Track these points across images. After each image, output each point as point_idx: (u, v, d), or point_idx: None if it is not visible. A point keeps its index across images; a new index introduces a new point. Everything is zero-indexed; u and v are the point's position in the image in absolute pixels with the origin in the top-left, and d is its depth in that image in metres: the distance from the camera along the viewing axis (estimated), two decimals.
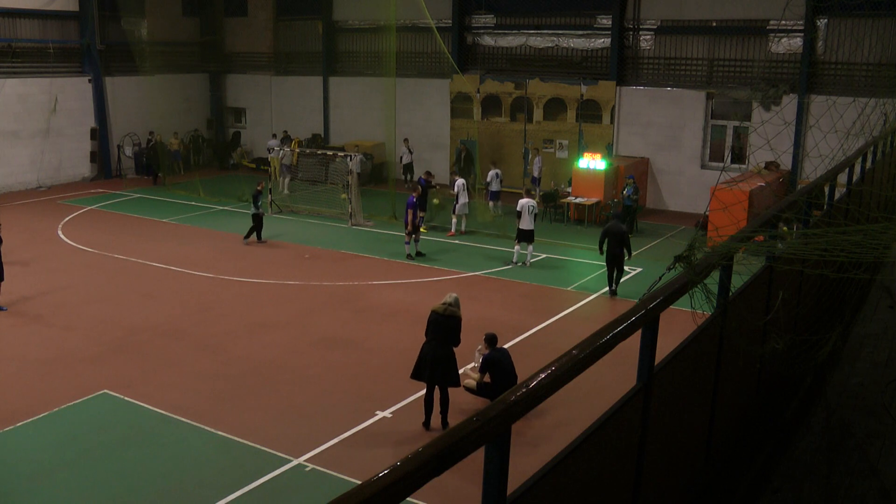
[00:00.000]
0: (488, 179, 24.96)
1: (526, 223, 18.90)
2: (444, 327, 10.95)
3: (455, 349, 11.14)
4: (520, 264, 19.25)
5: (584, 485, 3.69)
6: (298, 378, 12.90)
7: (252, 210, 21.38)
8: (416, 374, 11.14)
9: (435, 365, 10.93)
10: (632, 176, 23.45)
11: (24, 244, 21.11)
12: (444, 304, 11.06)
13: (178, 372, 13.09)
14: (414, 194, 20.55)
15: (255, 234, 21.53)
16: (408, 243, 20.13)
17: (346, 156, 25.35)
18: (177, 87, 33.77)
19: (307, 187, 27.35)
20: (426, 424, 11.18)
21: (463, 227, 22.65)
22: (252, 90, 35.40)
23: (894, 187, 13.75)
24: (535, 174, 27.16)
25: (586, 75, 27.85)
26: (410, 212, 19.79)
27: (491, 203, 24.83)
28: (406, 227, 20.02)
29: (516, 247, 19.33)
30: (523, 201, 18.98)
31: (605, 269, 17.48)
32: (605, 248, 17.10)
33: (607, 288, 17.51)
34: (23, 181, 28.92)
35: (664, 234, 22.87)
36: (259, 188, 21.79)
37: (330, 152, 27.15)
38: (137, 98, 31.85)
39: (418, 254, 20.18)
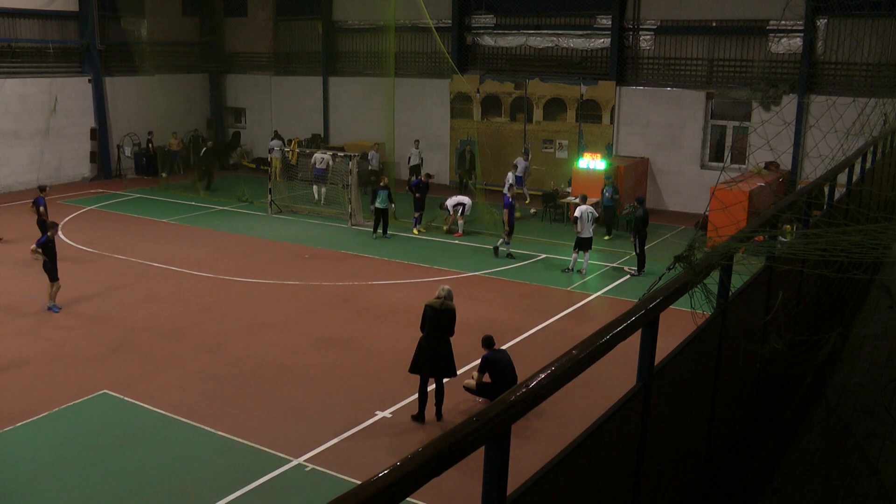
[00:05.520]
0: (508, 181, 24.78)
1: (586, 231, 18.55)
2: (440, 321, 11.09)
3: (451, 342, 11.31)
4: (575, 271, 18.93)
5: (584, 484, 3.69)
6: (298, 378, 12.90)
7: (374, 205, 22.31)
8: (415, 369, 11.27)
9: (435, 359, 11.09)
10: (609, 176, 23.46)
11: (24, 244, 21.10)
12: (438, 297, 11.21)
13: (178, 372, 13.09)
14: (508, 194, 20.74)
15: (380, 227, 22.36)
16: (507, 244, 20.17)
17: (346, 156, 25.36)
18: (177, 87, 33.75)
19: (307, 187, 27.34)
20: (420, 418, 11.24)
21: (460, 229, 22.66)
22: (252, 90, 35.39)
23: (894, 187, 13.76)
24: (518, 173, 26.34)
25: (586, 75, 27.84)
26: (507, 211, 19.99)
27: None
28: (504, 228, 20.10)
29: (574, 255, 18.96)
30: (583, 208, 18.63)
31: (638, 255, 18.79)
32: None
33: (635, 272, 18.83)
34: (23, 181, 28.90)
35: (664, 235, 22.87)
36: (382, 184, 22.32)
37: (330, 152, 27.12)
38: (137, 98, 31.85)
39: (509, 255, 20.19)
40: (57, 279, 15.87)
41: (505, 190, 24.19)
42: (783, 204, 7.05)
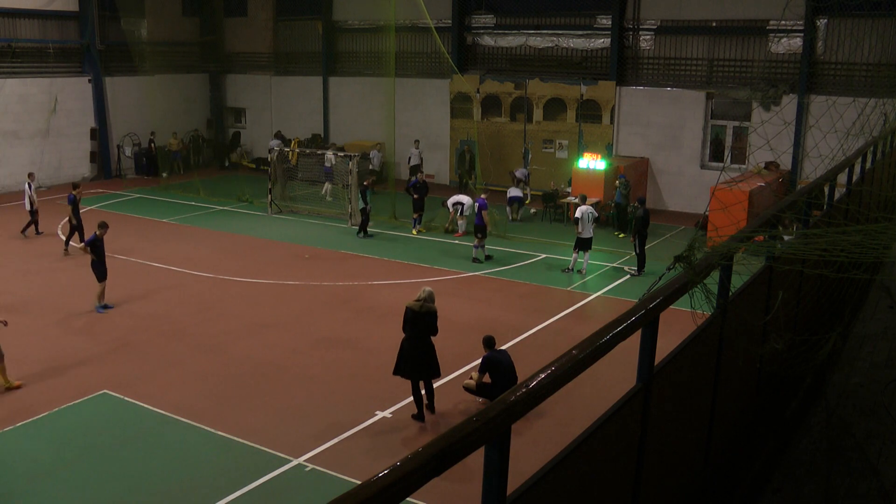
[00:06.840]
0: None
1: (586, 231, 18.53)
2: (420, 323, 11.11)
3: (439, 343, 11.33)
4: (575, 271, 18.89)
5: (583, 485, 3.69)
6: (298, 378, 12.90)
7: (360, 205, 22.06)
8: (398, 371, 11.34)
9: (415, 360, 11.13)
10: (623, 175, 23.62)
11: (24, 244, 21.12)
12: (418, 300, 11.19)
13: (178, 372, 13.09)
14: (484, 196, 20.59)
15: (363, 228, 22.27)
16: (479, 246, 19.88)
17: (345, 156, 25.37)
18: (177, 87, 33.76)
19: (307, 187, 27.35)
20: (420, 417, 11.30)
21: (459, 229, 22.66)
22: (252, 90, 35.39)
23: (894, 187, 13.76)
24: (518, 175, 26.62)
25: (586, 75, 27.84)
26: (485, 213, 19.76)
27: (508, 208, 24.62)
28: (479, 232, 19.76)
29: (574, 255, 18.93)
30: (583, 208, 18.63)
31: (638, 255, 18.79)
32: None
33: (636, 272, 18.81)
34: (23, 181, 28.71)
35: (664, 235, 22.87)
36: (366, 183, 22.24)
37: (329, 152, 27.13)
38: (137, 98, 31.84)
39: (487, 257, 19.93)
40: (104, 278, 15.91)
41: (516, 192, 24.39)
42: (783, 204, 7.05)
